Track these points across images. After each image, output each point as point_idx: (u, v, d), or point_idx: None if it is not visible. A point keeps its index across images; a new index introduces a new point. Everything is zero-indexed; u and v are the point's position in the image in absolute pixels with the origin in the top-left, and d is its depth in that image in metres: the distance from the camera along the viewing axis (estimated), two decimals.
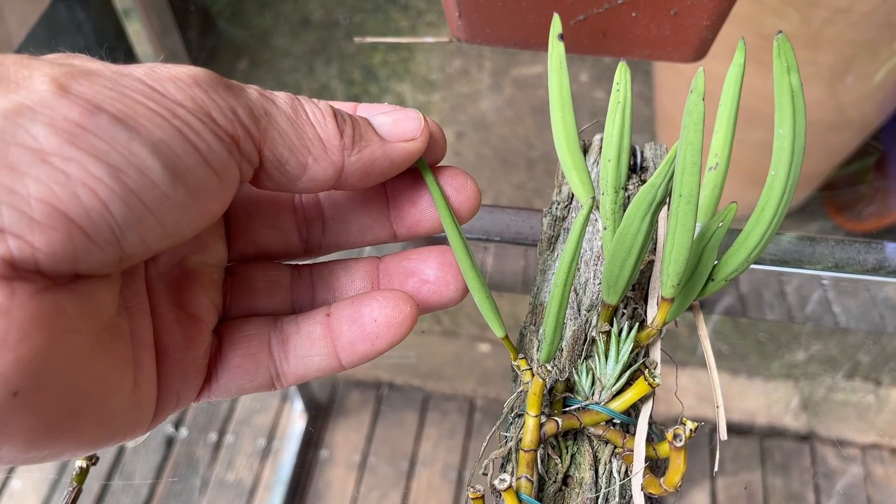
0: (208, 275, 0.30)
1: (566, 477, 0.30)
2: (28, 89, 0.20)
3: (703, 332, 0.35)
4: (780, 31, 0.29)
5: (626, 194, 0.38)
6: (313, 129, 0.27)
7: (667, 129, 1.39)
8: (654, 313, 0.34)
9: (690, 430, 0.28)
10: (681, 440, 0.26)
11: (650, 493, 0.29)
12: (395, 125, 0.29)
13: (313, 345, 0.30)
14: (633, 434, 0.31)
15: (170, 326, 0.28)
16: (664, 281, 0.31)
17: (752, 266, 0.48)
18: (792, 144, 0.30)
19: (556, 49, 0.39)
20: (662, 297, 0.31)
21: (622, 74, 0.35)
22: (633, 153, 0.41)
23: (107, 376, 0.23)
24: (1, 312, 0.19)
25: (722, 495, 1.19)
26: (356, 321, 0.29)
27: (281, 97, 0.27)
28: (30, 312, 0.19)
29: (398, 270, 0.32)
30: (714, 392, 0.32)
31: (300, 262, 0.34)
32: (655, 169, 0.40)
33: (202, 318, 0.29)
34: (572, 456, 0.31)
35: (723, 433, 0.31)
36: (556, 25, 0.39)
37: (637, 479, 0.29)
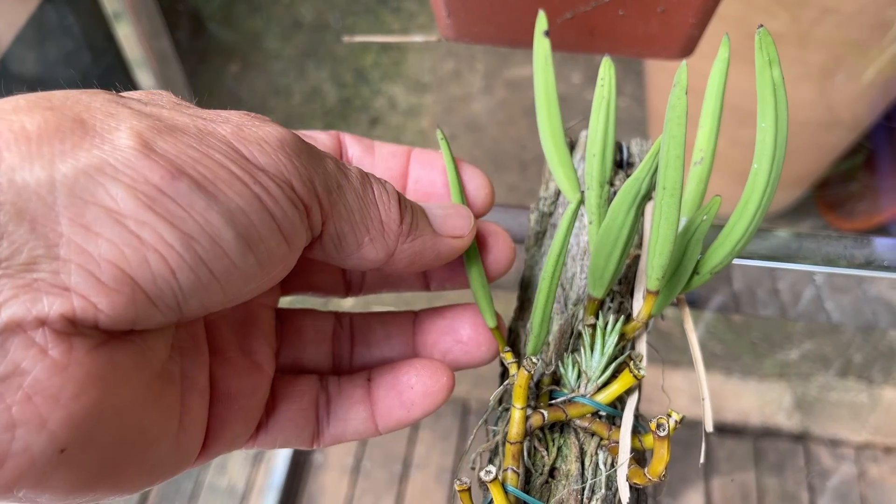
0: (266, 319, 0.31)
1: (553, 469, 0.31)
2: (112, 144, 0.20)
3: (689, 325, 0.35)
4: (762, 25, 0.29)
5: (613, 189, 0.38)
6: (377, 210, 0.26)
7: (659, 130, 1.39)
8: (639, 306, 0.34)
9: (675, 421, 0.28)
10: (664, 430, 0.27)
11: (635, 484, 0.29)
12: (447, 220, 0.30)
13: (352, 408, 0.30)
14: (619, 426, 0.31)
15: (239, 372, 0.28)
16: (649, 274, 0.31)
17: (744, 263, 0.48)
18: (774, 138, 0.30)
19: (541, 46, 0.39)
20: (648, 291, 0.32)
21: (606, 70, 0.36)
22: (619, 149, 0.41)
23: (153, 426, 0.23)
24: (58, 369, 0.19)
25: (717, 495, 1.19)
26: (394, 387, 0.30)
27: (353, 172, 0.26)
28: (86, 369, 0.19)
29: (433, 328, 0.33)
30: (699, 384, 0.32)
31: (342, 312, 0.34)
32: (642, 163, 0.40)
33: (264, 367, 0.29)
34: (559, 448, 0.31)
35: (708, 425, 0.31)
36: (541, 22, 0.39)
37: (622, 470, 0.29)
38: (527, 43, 0.52)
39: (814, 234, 0.49)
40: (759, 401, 1.27)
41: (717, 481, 1.20)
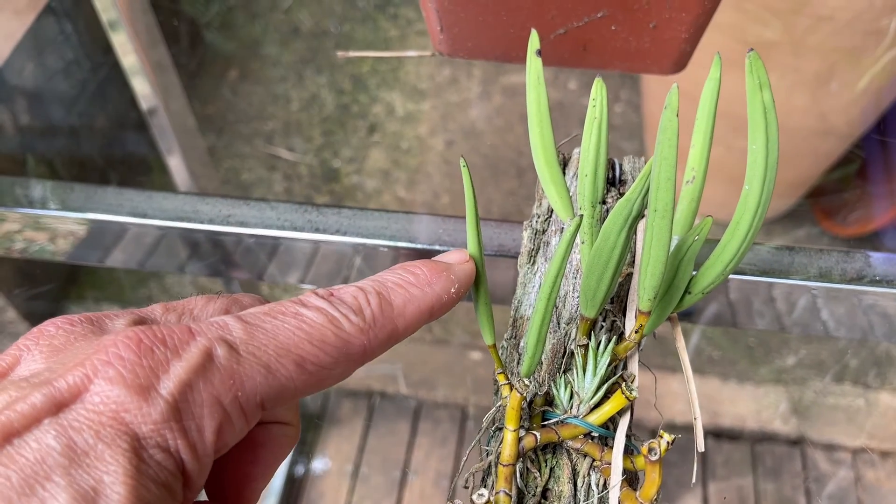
0: None
1: (545, 490, 0.31)
2: None
3: (681, 344, 0.35)
4: (752, 49, 0.30)
5: (605, 208, 0.38)
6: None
7: (654, 136, 1.40)
8: (632, 326, 0.35)
9: (667, 442, 0.28)
10: (655, 454, 0.27)
11: None
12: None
13: None
14: (612, 447, 0.31)
15: None
16: (641, 294, 0.31)
17: (736, 278, 0.48)
18: (765, 160, 0.30)
19: (533, 65, 0.39)
20: (640, 311, 0.32)
21: (598, 90, 0.36)
22: (612, 167, 0.42)
23: None
24: None
25: (714, 501, 1.19)
26: None
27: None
28: None
29: None
30: (691, 404, 0.32)
31: None
32: (634, 182, 0.40)
33: None
34: (551, 469, 0.31)
35: (700, 445, 0.31)
36: (533, 41, 0.39)
37: (615, 492, 0.29)
38: (520, 58, 0.53)
39: (806, 247, 0.49)
40: (756, 406, 1.27)
41: (714, 486, 1.20)
